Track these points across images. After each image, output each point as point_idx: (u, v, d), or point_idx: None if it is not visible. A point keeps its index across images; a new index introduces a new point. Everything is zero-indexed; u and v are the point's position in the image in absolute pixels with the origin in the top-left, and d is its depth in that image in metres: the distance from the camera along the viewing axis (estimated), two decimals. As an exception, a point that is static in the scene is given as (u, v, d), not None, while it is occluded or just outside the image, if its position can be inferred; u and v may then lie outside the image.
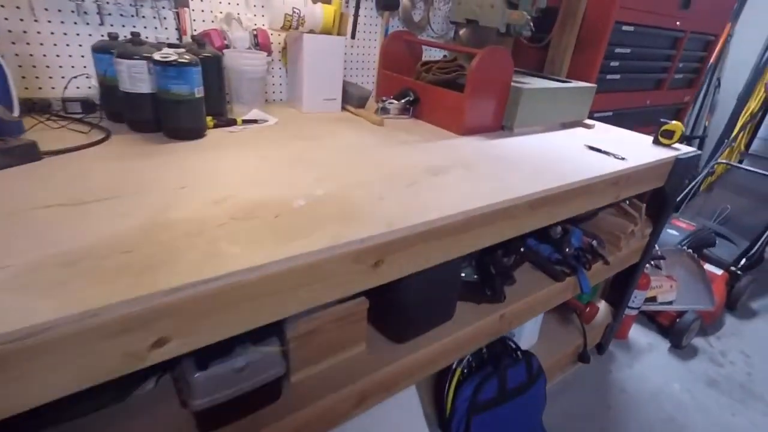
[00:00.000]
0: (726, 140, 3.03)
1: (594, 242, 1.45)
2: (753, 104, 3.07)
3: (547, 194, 1.00)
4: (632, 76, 2.13)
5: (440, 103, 1.38)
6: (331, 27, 1.38)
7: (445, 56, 1.72)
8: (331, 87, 1.45)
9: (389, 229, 0.74)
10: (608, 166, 1.19)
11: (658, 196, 1.56)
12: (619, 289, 1.85)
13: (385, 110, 1.43)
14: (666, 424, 1.70)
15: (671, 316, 2.10)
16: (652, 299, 2.06)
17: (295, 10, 1.27)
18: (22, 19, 1.08)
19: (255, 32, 1.36)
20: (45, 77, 1.15)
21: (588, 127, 1.63)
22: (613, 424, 1.67)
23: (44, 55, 1.13)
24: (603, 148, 1.33)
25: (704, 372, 1.98)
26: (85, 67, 1.18)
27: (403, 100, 1.44)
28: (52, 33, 1.12)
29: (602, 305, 1.92)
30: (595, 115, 1.94)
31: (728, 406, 1.81)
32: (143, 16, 1.22)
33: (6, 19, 1.06)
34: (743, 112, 3.12)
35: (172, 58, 0.94)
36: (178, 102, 1.01)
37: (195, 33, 1.29)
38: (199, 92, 1.03)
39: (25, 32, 1.09)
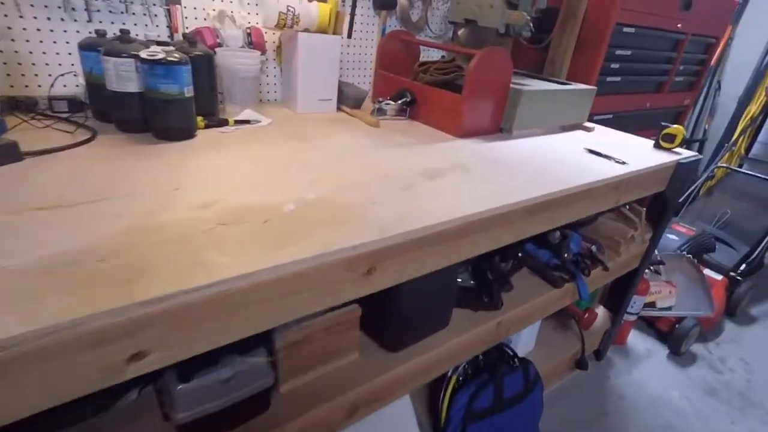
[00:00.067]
0: (726, 144, 3.01)
1: (593, 247, 1.42)
2: (754, 108, 3.05)
3: (547, 199, 0.97)
4: (633, 78, 2.11)
5: (438, 104, 1.35)
6: (327, 26, 1.35)
7: (443, 57, 1.69)
8: (326, 87, 1.42)
9: (383, 235, 0.71)
10: (608, 171, 1.16)
11: (658, 201, 1.53)
12: (618, 294, 1.83)
13: (381, 111, 1.40)
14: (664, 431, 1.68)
15: (670, 322, 2.08)
16: (651, 305, 2.04)
17: (289, 8, 1.24)
18: (6, 15, 1.04)
19: (248, 31, 1.33)
20: (31, 75, 1.12)
21: (588, 130, 1.61)
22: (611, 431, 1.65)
23: (30, 53, 1.10)
24: (603, 152, 1.30)
25: (703, 379, 1.95)
26: (72, 65, 1.15)
27: (399, 101, 1.41)
28: (38, 29, 1.09)
29: (601, 311, 1.89)
30: (595, 117, 1.91)
31: (727, 414, 1.79)
32: (133, 13, 1.19)
33: (-10, 14, 1.03)
34: (743, 115, 3.10)
35: (160, 56, 0.91)
36: (166, 101, 0.98)
37: (187, 31, 1.26)
38: (188, 91, 1.00)
39: (9, 28, 1.05)
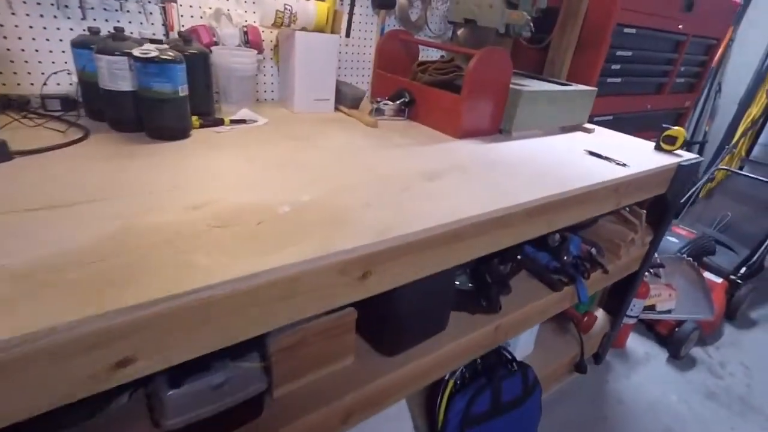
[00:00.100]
0: (726, 146, 3.00)
1: (593, 250, 1.41)
2: (754, 110, 3.04)
3: (546, 202, 0.95)
4: (633, 79, 2.09)
5: (436, 104, 1.34)
6: (325, 25, 1.33)
7: (442, 57, 1.68)
8: (323, 86, 1.40)
9: (379, 238, 0.70)
10: (609, 173, 1.15)
11: (659, 204, 1.52)
12: (617, 297, 1.81)
13: (379, 111, 1.38)
14: (664, 437, 1.66)
15: (670, 326, 2.07)
16: (651, 308, 2.02)
17: (287, 6, 1.23)
18: (-2, 12, 1.03)
19: (245, 29, 1.31)
20: (23, 73, 1.10)
21: (588, 131, 1.59)
22: (609, 436, 1.63)
23: (22, 50, 1.08)
24: (603, 154, 1.29)
25: (703, 383, 1.94)
26: (66, 63, 1.13)
27: (398, 102, 1.40)
28: (30, 27, 1.07)
29: (600, 314, 1.88)
30: (595, 119, 1.90)
31: (727, 419, 1.77)
32: (128, 11, 1.17)
33: (-19, 11, 1.01)
34: (744, 117, 3.09)
35: (153, 54, 0.89)
36: (160, 101, 0.96)
37: (183, 29, 1.25)
38: (183, 90, 0.98)
39: (1, 25, 1.04)
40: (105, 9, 1.14)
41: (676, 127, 1.40)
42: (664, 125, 1.43)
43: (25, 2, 1.04)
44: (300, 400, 0.85)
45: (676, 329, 2.02)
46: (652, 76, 2.23)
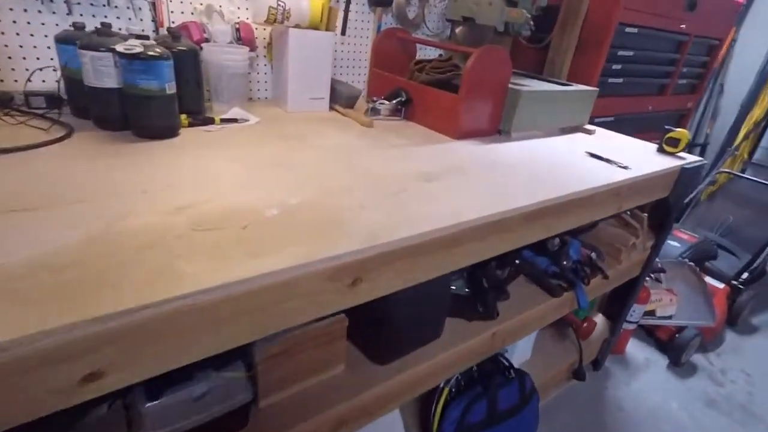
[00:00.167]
0: (729, 149, 2.96)
1: (593, 255, 1.38)
2: (757, 112, 3.00)
3: (545, 205, 0.92)
4: (635, 80, 2.06)
5: (434, 104, 1.31)
6: (319, 22, 1.30)
7: (440, 55, 1.65)
8: (318, 85, 1.37)
9: (370, 243, 0.66)
10: (610, 175, 1.11)
11: (661, 207, 1.49)
12: (617, 302, 1.78)
13: (375, 111, 1.35)
14: (664, 445, 1.63)
15: (670, 331, 2.03)
16: (651, 313, 1.98)
17: (279, 2, 1.19)
18: (-20, 6, 1.00)
19: (237, 26, 1.28)
20: (7, 69, 1.07)
21: (588, 132, 1.56)
22: (609, 445, 1.60)
23: (6, 46, 1.05)
24: (604, 156, 1.25)
25: (703, 390, 1.90)
26: (51, 59, 1.10)
27: (394, 101, 1.36)
28: (14, 21, 1.04)
29: (599, 319, 1.84)
30: (596, 120, 1.87)
31: (728, 427, 1.74)
32: (116, 6, 1.14)
33: (-37, 5, 0.98)
34: (747, 119, 3.05)
35: (138, 50, 0.86)
36: (147, 98, 0.93)
37: (173, 25, 1.21)
38: (170, 88, 0.95)
39: (-16, 20, 1.01)
40: (92, 4, 1.11)
41: (679, 129, 1.36)
42: (666, 127, 1.39)
43: (8, -4, 1.01)
44: (288, 410, 0.82)
45: (677, 335, 1.99)
46: (654, 77, 2.20)
